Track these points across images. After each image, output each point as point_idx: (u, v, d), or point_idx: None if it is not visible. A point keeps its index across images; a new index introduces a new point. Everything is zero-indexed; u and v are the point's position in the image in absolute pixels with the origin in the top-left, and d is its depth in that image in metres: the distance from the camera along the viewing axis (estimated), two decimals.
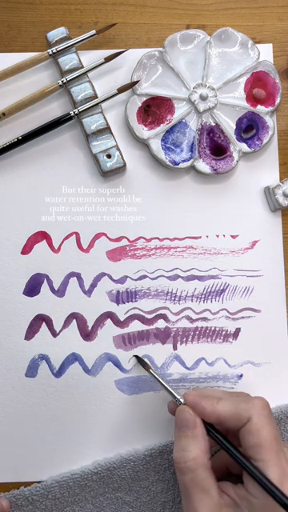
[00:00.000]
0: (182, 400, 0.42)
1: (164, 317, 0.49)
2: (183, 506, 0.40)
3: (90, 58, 0.50)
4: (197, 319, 0.49)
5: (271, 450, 0.38)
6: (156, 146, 0.49)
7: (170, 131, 0.49)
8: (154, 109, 0.50)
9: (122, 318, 0.49)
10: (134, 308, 0.49)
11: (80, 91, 0.49)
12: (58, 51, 0.49)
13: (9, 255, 0.49)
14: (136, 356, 0.48)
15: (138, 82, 0.49)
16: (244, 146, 0.50)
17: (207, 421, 0.41)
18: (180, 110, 0.50)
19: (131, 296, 0.49)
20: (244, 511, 0.38)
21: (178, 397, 0.43)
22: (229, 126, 0.50)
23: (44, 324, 0.48)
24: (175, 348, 0.49)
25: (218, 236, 0.50)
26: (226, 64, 0.50)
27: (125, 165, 0.49)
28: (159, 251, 0.49)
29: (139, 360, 0.47)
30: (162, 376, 0.46)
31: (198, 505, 0.39)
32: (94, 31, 0.49)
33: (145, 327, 0.49)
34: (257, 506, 0.38)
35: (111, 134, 0.49)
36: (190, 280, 0.49)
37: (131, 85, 0.49)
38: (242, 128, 0.50)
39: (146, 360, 0.47)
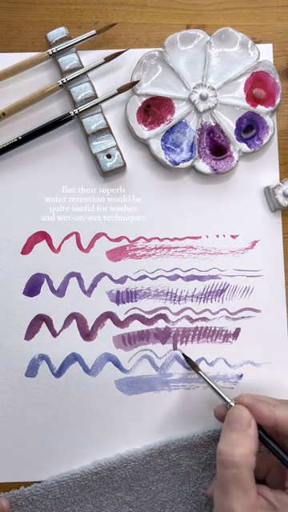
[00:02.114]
0: (232, 403, 0.43)
1: (164, 317, 0.49)
2: (217, 499, 0.40)
3: (90, 57, 0.50)
4: (197, 319, 0.49)
5: None
6: (156, 146, 0.49)
7: (169, 131, 0.50)
8: (154, 109, 0.50)
9: (121, 317, 0.49)
10: (134, 308, 0.49)
11: (80, 91, 0.49)
12: (58, 51, 0.49)
13: (9, 255, 0.49)
14: (185, 356, 0.48)
15: (138, 81, 0.49)
16: (244, 146, 0.50)
17: (262, 424, 0.41)
18: (180, 110, 0.50)
19: (131, 296, 0.49)
20: None
21: (229, 400, 0.43)
22: (229, 126, 0.50)
23: (44, 324, 0.48)
24: (175, 348, 0.49)
25: (217, 236, 0.50)
26: (226, 64, 0.50)
27: (125, 165, 0.49)
28: (159, 251, 0.49)
29: (188, 360, 0.47)
30: (210, 378, 0.46)
31: (234, 502, 0.39)
32: (94, 31, 0.49)
33: (145, 327, 0.49)
34: None
35: (111, 134, 0.49)
36: (190, 280, 0.49)
37: (131, 85, 0.49)
38: (242, 128, 0.50)
39: (194, 361, 0.47)
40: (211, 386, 0.44)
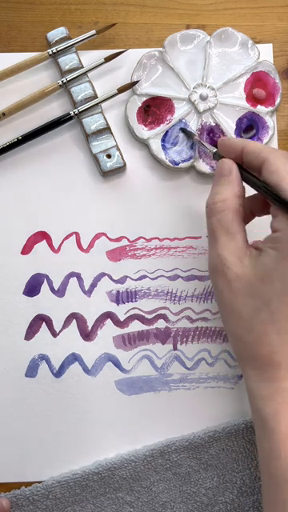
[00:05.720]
0: (214, 150, 0.44)
1: (164, 317, 0.49)
2: (208, 254, 0.40)
3: (90, 57, 0.50)
4: (197, 319, 0.49)
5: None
6: (156, 146, 0.49)
7: (169, 131, 0.50)
8: (154, 109, 0.50)
9: (122, 318, 0.49)
10: (134, 308, 0.49)
11: (80, 91, 0.49)
12: (58, 51, 0.49)
13: (9, 255, 0.49)
14: (181, 128, 0.49)
15: (137, 81, 0.49)
16: None
17: (235, 152, 0.42)
18: (180, 110, 0.50)
19: (131, 296, 0.49)
20: (269, 254, 0.37)
21: (210, 147, 0.45)
22: (229, 126, 0.50)
23: (44, 324, 0.48)
24: (175, 348, 0.49)
25: None
26: (226, 64, 0.50)
27: (125, 165, 0.49)
28: (159, 251, 0.49)
29: (184, 131, 0.49)
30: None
31: (221, 248, 0.39)
32: (94, 31, 0.49)
33: (145, 327, 0.49)
34: (281, 239, 0.37)
35: (111, 134, 0.49)
36: (190, 280, 0.49)
37: (131, 85, 0.49)
38: (242, 128, 0.50)
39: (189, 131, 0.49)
40: (196, 139, 0.47)
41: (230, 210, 0.39)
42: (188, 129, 0.49)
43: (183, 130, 0.49)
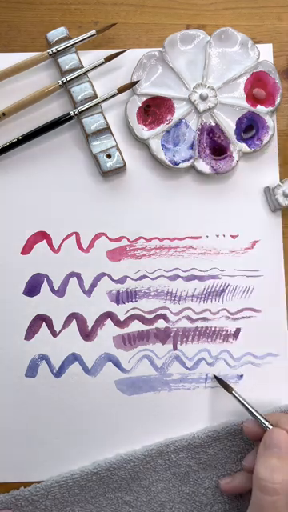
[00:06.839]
0: (270, 426, 0.42)
1: (164, 317, 0.49)
2: None
3: (89, 57, 0.50)
4: (197, 319, 0.49)
5: None
6: (156, 145, 0.49)
7: (169, 131, 0.49)
8: (154, 109, 0.50)
9: (121, 317, 0.49)
10: (134, 308, 0.49)
11: (80, 91, 0.49)
12: (58, 51, 0.49)
13: (9, 255, 0.49)
14: (216, 376, 0.48)
15: (137, 82, 0.49)
16: (244, 146, 0.50)
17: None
18: (180, 110, 0.50)
19: (131, 296, 0.49)
20: None
21: (267, 423, 0.43)
22: (229, 125, 0.50)
23: (44, 324, 0.48)
24: (175, 348, 0.49)
25: (217, 236, 0.50)
26: (226, 64, 0.50)
27: (125, 165, 0.49)
28: (159, 251, 0.49)
29: (220, 381, 0.47)
30: (245, 399, 0.45)
31: None
32: (94, 31, 0.49)
33: (145, 327, 0.49)
34: None
35: (111, 134, 0.49)
36: (190, 280, 0.49)
37: (131, 85, 0.49)
38: (242, 128, 0.50)
39: (227, 382, 0.47)
40: (247, 408, 0.44)
41: (286, 494, 0.39)
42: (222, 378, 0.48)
43: (218, 380, 0.47)
